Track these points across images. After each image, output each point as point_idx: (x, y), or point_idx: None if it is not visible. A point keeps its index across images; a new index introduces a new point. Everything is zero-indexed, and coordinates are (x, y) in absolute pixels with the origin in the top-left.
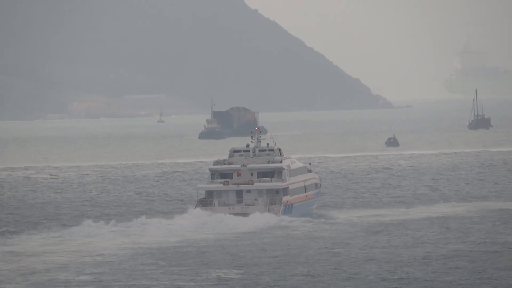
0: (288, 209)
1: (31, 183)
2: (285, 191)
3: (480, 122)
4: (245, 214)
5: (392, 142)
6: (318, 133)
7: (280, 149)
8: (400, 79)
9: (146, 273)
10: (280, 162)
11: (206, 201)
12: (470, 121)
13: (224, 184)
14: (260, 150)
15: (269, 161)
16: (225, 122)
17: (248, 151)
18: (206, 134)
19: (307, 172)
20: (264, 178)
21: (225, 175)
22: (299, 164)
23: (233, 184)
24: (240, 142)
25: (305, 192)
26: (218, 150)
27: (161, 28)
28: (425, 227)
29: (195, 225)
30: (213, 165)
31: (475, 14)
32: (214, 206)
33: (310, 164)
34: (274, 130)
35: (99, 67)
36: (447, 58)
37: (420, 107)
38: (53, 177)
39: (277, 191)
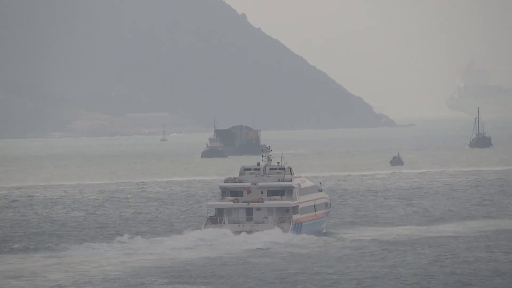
0: (298, 228)
1: (33, 202)
2: (295, 209)
3: (481, 141)
4: (253, 232)
5: (397, 161)
6: (322, 152)
7: (290, 168)
8: (402, 97)
9: None
10: (291, 181)
11: (216, 218)
12: (471, 140)
13: (234, 202)
14: (271, 169)
15: (279, 180)
16: (228, 141)
17: (259, 169)
18: (209, 153)
19: (317, 191)
20: (274, 197)
21: (235, 193)
22: (309, 183)
23: (243, 202)
24: (242, 161)
25: (315, 211)
26: (220, 169)
27: (163, 46)
28: (438, 244)
29: (204, 242)
30: (224, 182)
31: (478, 33)
32: (224, 223)
33: (320, 183)
34: (277, 148)
35: (101, 85)
36: (450, 77)
37: (422, 126)
38: (45, 195)
39: (287, 210)
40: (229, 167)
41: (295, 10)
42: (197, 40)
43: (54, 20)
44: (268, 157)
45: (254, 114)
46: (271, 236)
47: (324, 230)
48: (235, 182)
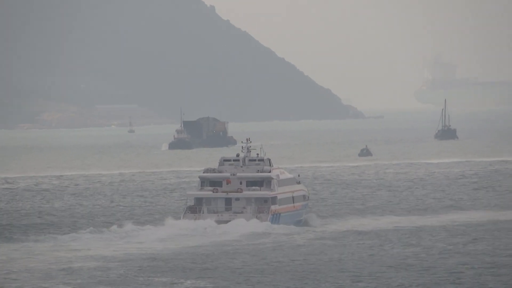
0: (276, 218)
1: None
2: (273, 200)
3: (446, 133)
4: (231, 221)
5: (366, 153)
6: (290, 144)
7: (269, 159)
8: (371, 89)
9: (119, 282)
10: (269, 172)
11: (195, 208)
12: (436, 132)
13: (213, 192)
14: (250, 160)
15: (258, 171)
16: (195, 132)
17: (238, 160)
18: (176, 144)
19: (296, 184)
20: (253, 187)
21: (214, 183)
22: (288, 175)
23: (222, 192)
24: (209, 153)
25: (293, 202)
26: (186, 161)
27: (131, 38)
28: (411, 234)
29: (183, 232)
30: (203, 173)
31: (446, 26)
32: (203, 213)
33: (299, 175)
34: (245, 140)
35: (70, 77)
36: (418, 69)
37: (391, 118)
38: (11, 186)
39: (265, 200)
40: (196, 159)
41: (263, 3)
42: (166, 32)
43: (23, 12)
44: (247, 148)
45: (221, 105)
46: (249, 226)
47: (302, 222)
48: (215, 172)
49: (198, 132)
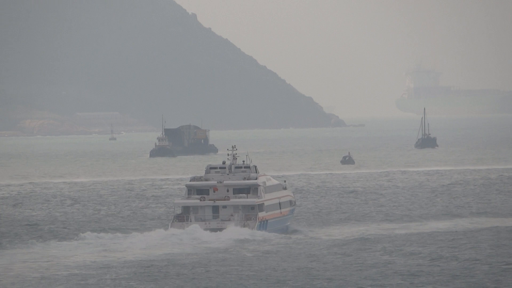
0: (263, 225)
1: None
2: (260, 207)
3: (426, 142)
4: (221, 229)
5: (348, 160)
6: (272, 152)
7: (256, 166)
8: (352, 98)
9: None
10: (256, 179)
11: (183, 216)
12: (417, 140)
13: (200, 200)
14: (236, 167)
15: (245, 178)
16: (176, 140)
17: (224, 168)
18: (157, 152)
19: (282, 189)
20: (240, 194)
21: (201, 191)
22: (274, 181)
23: (209, 200)
24: (190, 160)
25: (280, 208)
26: (168, 169)
27: (113, 45)
28: (400, 240)
29: (171, 239)
30: (190, 181)
31: (427, 34)
32: (191, 221)
33: (285, 181)
34: (225, 148)
35: (51, 85)
36: (399, 77)
37: (372, 126)
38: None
39: (252, 207)
40: (178, 167)
41: (245, 11)
42: (147, 39)
43: (4, 20)
44: (233, 156)
45: (203, 113)
46: (236, 233)
47: (289, 228)
48: (201, 180)
49: (180, 140)
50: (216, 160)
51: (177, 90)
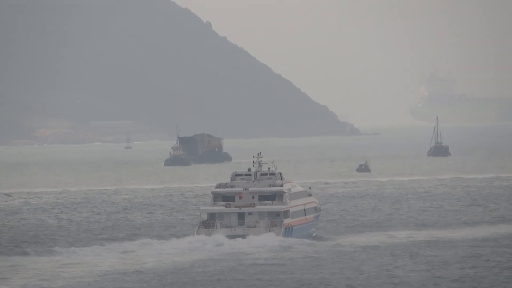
0: (289, 232)
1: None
2: (286, 214)
3: (439, 150)
4: (246, 236)
5: (364, 169)
6: (287, 160)
7: (281, 173)
8: (367, 106)
9: None
10: (281, 186)
11: (209, 223)
12: (429, 149)
13: (226, 207)
14: (262, 174)
15: (270, 185)
16: (190, 149)
17: (250, 175)
18: (172, 161)
19: (307, 196)
20: (266, 201)
21: (227, 198)
22: (299, 188)
23: (235, 207)
24: (205, 169)
25: (305, 215)
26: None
27: (128, 54)
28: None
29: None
30: (216, 188)
31: (443, 42)
32: (216, 227)
33: (310, 188)
34: (240, 157)
35: (65, 93)
36: (414, 86)
37: (386, 134)
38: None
39: (278, 214)
40: (193, 175)
41: (260, 19)
42: (162, 48)
43: (18, 29)
44: (259, 163)
45: (217, 122)
46: (262, 240)
47: (314, 234)
48: (227, 187)
49: (194, 149)
50: (230, 168)
51: (192, 98)
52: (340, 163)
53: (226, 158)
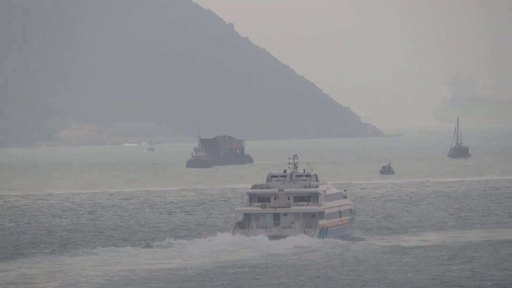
0: (324, 233)
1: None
2: (321, 215)
3: (458, 151)
4: (282, 237)
5: (387, 170)
6: (312, 162)
7: (316, 175)
8: (390, 107)
9: None
10: (317, 187)
11: (244, 223)
12: (450, 150)
13: (261, 207)
14: (297, 176)
15: (305, 186)
16: (212, 150)
17: (285, 176)
18: (194, 163)
19: (342, 198)
20: (301, 202)
21: (262, 199)
22: (334, 190)
23: (270, 208)
24: (226, 171)
25: (340, 217)
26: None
27: (150, 56)
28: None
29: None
30: (251, 189)
31: (466, 44)
32: (252, 228)
33: (345, 190)
34: (261, 158)
35: (88, 95)
36: (437, 87)
37: (409, 136)
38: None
39: (313, 215)
40: (215, 176)
41: (282, 21)
42: (184, 49)
43: (40, 33)
44: (294, 164)
45: (239, 123)
46: (297, 241)
47: (349, 236)
48: (262, 188)
49: (215, 150)
50: (250, 169)
51: (214, 100)
52: (363, 165)
53: (248, 160)
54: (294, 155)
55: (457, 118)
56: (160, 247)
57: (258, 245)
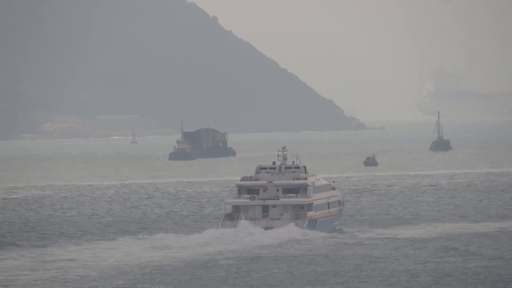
0: (312, 224)
1: (30, 201)
2: (310, 206)
3: (440, 144)
4: (270, 228)
5: (371, 162)
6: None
7: (305, 167)
8: (374, 101)
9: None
10: (305, 179)
11: (233, 215)
12: (431, 143)
13: (250, 199)
14: (286, 168)
15: (294, 178)
16: (195, 143)
17: (274, 168)
18: (176, 155)
19: (331, 190)
20: (290, 194)
21: (251, 191)
22: (323, 182)
23: (259, 199)
24: (209, 164)
25: (329, 208)
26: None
27: (133, 48)
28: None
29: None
30: (240, 181)
31: (450, 38)
32: (241, 220)
33: (334, 182)
34: (244, 151)
35: (71, 88)
36: (421, 81)
37: (392, 129)
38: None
39: (301, 207)
40: (197, 169)
41: (266, 14)
42: (168, 42)
43: (25, 23)
44: (283, 156)
45: (222, 116)
46: (286, 232)
47: (337, 227)
48: (251, 180)
49: (198, 143)
50: (233, 162)
51: (197, 93)
52: (346, 157)
53: (231, 152)
54: (283, 147)
55: (438, 112)
56: (148, 238)
57: (246, 237)
